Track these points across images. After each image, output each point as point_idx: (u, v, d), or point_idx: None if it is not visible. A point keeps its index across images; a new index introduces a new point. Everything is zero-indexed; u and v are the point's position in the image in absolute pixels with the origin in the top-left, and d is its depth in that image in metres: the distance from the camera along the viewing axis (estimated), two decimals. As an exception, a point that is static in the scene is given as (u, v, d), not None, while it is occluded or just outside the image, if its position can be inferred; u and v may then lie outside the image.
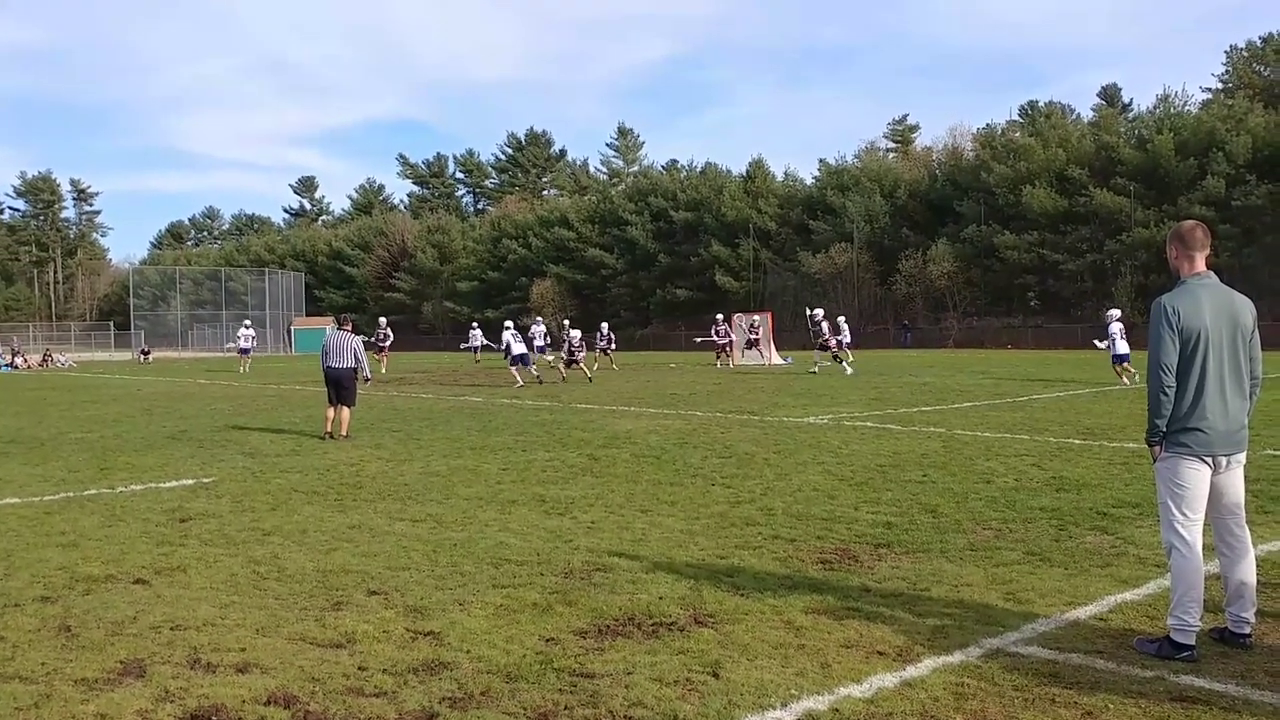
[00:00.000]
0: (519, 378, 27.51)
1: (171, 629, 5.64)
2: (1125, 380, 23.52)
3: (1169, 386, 5.03)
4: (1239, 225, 52.42)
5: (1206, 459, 5.02)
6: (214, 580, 6.73)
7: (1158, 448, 5.13)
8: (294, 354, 74.09)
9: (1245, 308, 5.15)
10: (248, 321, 48.25)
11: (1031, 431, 14.28)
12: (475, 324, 45.01)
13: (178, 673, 4.94)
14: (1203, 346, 5.01)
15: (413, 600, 6.15)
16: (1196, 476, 5.03)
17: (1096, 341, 26.65)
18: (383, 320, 41.82)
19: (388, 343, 39.40)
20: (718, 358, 38.65)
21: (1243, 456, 5.14)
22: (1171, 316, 5.04)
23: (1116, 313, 25.08)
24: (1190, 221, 5.34)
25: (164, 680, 4.83)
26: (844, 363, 31.52)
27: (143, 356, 62.66)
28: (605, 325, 38.85)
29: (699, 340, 40.51)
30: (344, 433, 15.10)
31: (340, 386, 15.48)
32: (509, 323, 31.69)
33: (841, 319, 35.19)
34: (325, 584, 6.59)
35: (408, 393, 25.55)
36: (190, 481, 11.14)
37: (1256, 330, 5.18)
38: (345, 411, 15.35)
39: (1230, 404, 5.04)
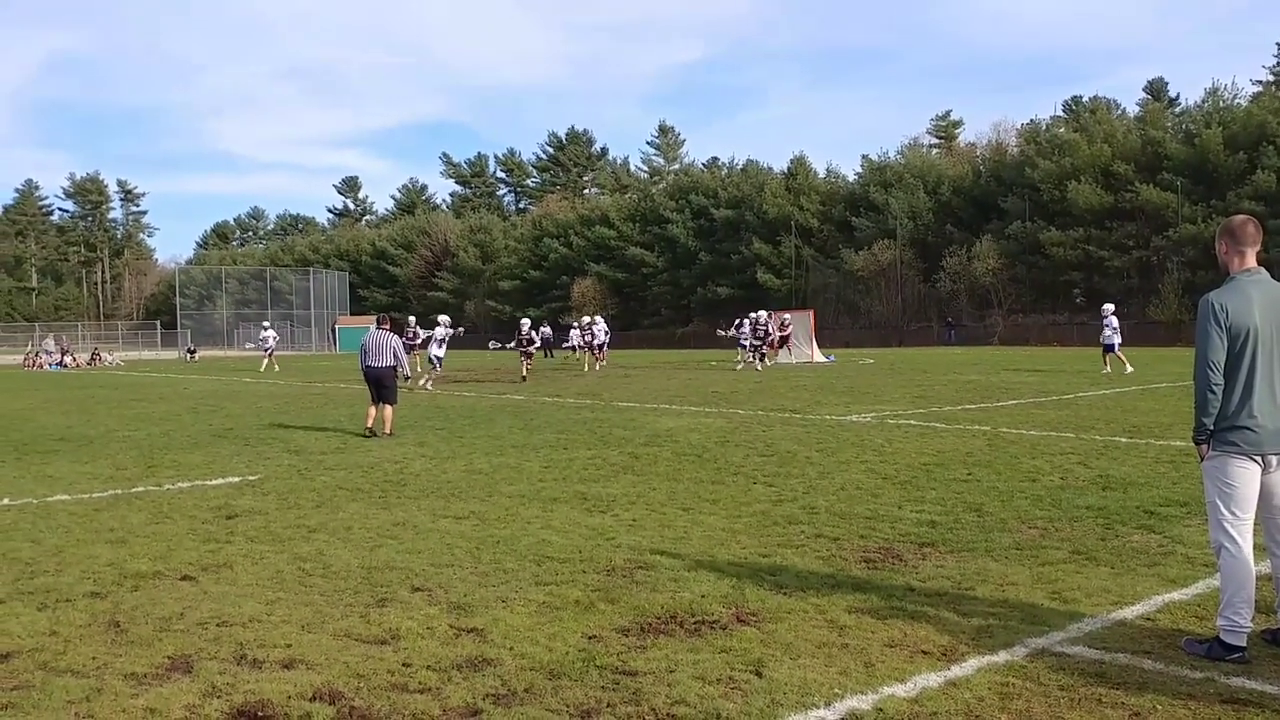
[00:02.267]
0: (425, 376, 27.52)
1: (218, 625, 5.70)
2: (1108, 368, 26.25)
3: (1216, 384, 4.95)
4: (1289, 221, 51.52)
5: (1256, 457, 4.94)
6: (260, 577, 6.80)
7: (1205, 446, 5.05)
8: (338, 352, 74.71)
9: (1298, 302, 5.06)
10: (266, 322, 49.27)
11: (1077, 429, 14.13)
12: (544, 322, 45.24)
13: (224, 668, 5.00)
14: (1252, 343, 4.93)
15: (456, 597, 6.18)
16: (1245, 475, 4.95)
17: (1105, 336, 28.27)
18: (411, 319, 42.04)
19: (417, 341, 39.44)
20: (755, 357, 37.73)
21: (1294, 455, 5.05)
22: (1219, 313, 4.96)
23: (1110, 307, 27.87)
24: (1241, 216, 5.26)
25: (211, 676, 4.89)
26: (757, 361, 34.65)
27: (189, 355, 63.42)
28: (525, 323, 37.06)
29: (720, 334, 40.54)
30: (387, 430, 15.21)
31: (381, 385, 15.62)
32: (426, 330, 32.11)
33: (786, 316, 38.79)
34: (370, 581, 6.64)
35: (451, 391, 25.68)
36: (236, 479, 11.25)
37: None
38: (388, 410, 15.46)
39: (1281, 402, 4.96)
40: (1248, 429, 4.92)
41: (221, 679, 4.84)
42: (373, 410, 15.53)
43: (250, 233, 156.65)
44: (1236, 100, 62.75)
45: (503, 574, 6.75)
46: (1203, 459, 5.08)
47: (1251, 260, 5.08)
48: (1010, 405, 18.32)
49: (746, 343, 37.15)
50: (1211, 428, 5.00)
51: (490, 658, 5.09)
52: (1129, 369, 26.23)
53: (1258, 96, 63.97)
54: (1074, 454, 11.80)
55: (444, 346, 26.54)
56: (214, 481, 11.10)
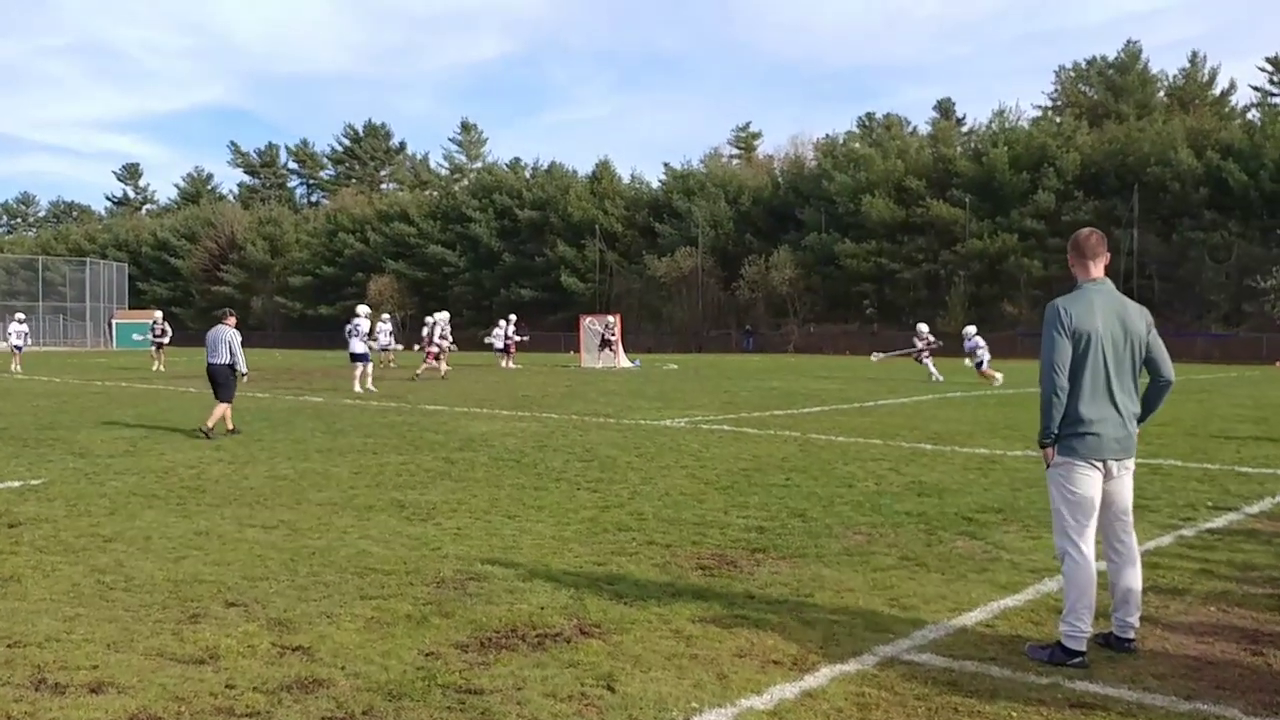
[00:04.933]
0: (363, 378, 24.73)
1: (9, 646, 5.15)
2: (979, 375, 27.25)
3: (1061, 388, 5.03)
4: (1068, 239, 54.43)
5: (1097, 464, 5.04)
6: (54, 591, 6.21)
7: (1050, 450, 5.13)
8: (115, 348, 70.89)
9: (1139, 315, 5.19)
10: (20, 315, 41.42)
11: (884, 436, 14.48)
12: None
13: (21, 695, 4.49)
14: (1093, 349, 5.03)
15: (275, 613, 5.77)
16: (1088, 482, 5.04)
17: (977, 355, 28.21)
18: (158, 315, 39.02)
19: (165, 339, 36.63)
20: (503, 359, 38.48)
21: (1131, 463, 5.18)
22: (1063, 318, 5.06)
23: (972, 329, 28.15)
24: (1087, 230, 5.40)
25: (5, 704, 4.38)
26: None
27: (-49, 349, 59.08)
28: (444, 315, 37.12)
29: (485, 339, 40.61)
30: (210, 424, 14.52)
31: (214, 382, 15.21)
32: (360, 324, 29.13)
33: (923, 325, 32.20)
34: (178, 594, 6.14)
35: (241, 391, 24.56)
36: (17, 484, 10.37)
37: (1155, 333, 5.22)
38: (219, 407, 14.93)
39: (1121, 409, 5.07)
40: (1089, 435, 5.02)
41: (18, 707, 4.34)
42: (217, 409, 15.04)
43: (19, 219, 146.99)
44: (1020, 122, 66.28)
45: (323, 587, 6.36)
46: (1048, 464, 5.16)
47: (1097, 271, 5.21)
48: (815, 411, 18.69)
49: (499, 345, 38.45)
50: (1056, 430, 5.07)
51: (321, 678, 4.74)
52: (972, 375, 28.00)
53: (1038, 120, 67.68)
54: (884, 460, 12.05)
55: (365, 341, 24.12)
56: (-9, 486, 10.22)
